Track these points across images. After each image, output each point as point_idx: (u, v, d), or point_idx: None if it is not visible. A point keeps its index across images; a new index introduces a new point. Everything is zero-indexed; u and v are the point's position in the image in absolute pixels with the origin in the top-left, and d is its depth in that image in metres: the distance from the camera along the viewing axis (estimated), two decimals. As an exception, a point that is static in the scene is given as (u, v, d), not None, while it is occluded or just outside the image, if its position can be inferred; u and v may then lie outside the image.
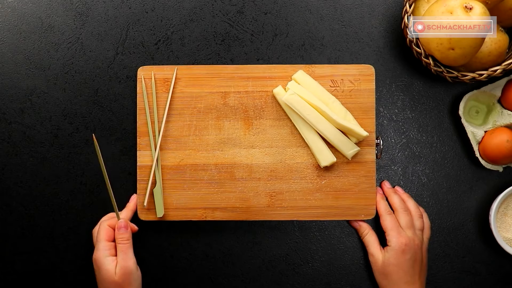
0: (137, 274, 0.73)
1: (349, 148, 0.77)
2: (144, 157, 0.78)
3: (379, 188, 0.81)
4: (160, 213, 0.78)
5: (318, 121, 0.76)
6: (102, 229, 0.74)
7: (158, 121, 0.78)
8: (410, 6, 0.76)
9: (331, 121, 0.76)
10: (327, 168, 0.78)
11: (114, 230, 0.74)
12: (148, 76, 0.79)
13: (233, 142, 0.78)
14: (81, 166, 0.81)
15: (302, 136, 0.78)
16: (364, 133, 0.76)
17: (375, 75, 0.79)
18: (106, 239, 0.73)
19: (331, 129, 0.77)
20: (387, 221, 0.77)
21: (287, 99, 0.76)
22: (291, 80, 0.79)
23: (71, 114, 0.81)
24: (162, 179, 0.78)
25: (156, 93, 0.79)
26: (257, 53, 0.82)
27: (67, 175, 0.81)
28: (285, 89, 0.78)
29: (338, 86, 0.79)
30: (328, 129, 0.77)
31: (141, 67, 0.79)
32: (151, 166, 0.78)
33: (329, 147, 0.78)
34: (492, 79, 0.80)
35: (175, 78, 0.79)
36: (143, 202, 0.77)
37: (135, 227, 0.77)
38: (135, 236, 0.81)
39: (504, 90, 0.81)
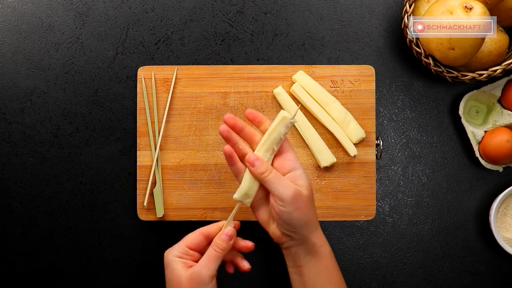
0: None
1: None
2: (144, 157, 0.78)
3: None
4: (160, 213, 0.78)
5: (323, 115, 0.78)
6: (192, 233, 0.65)
7: (158, 121, 0.78)
8: (410, 6, 0.76)
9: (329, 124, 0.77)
10: (327, 169, 0.78)
11: (205, 239, 0.65)
12: (148, 76, 0.79)
13: (233, 142, 0.78)
14: (81, 166, 0.81)
15: (302, 137, 0.78)
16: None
17: (375, 75, 0.79)
18: (188, 244, 0.64)
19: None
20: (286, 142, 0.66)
21: (294, 89, 0.77)
22: (291, 80, 0.79)
23: (71, 114, 0.81)
24: (162, 179, 0.78)
25: (156, 93, 0.79)
26: (257, 53, 0.82)
27: (67, 175, 0.81)
28: (285, 89, 0.78)
29: (338, 87, 0.79)
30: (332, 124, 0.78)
31: (141, 67, 0.79)
32: (151, 166, 0.78)
33: (329, 148, 0.78)
34: (492, 79, 0.80)
35: (175, 78, 0.79)
36: (143, 202, 0.77)
37: (249, 246, 0.66)
38: (135, 237, 0.81)
39: (504, 90, 0.81)
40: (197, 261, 0.63)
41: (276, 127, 0.64)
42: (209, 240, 0.65)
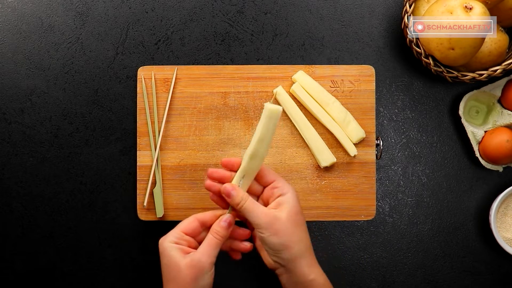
0: (207, 277, 0.62)
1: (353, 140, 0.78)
2: (144, 157, 0.78)
3: None
4: (160, 213, 0.78)
5: (323, 115, 0.78)
6: (187, 219, 0.64)
7: (158, 121, 0.78)
8: (410, 6, 0.76)
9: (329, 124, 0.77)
10: (327, 169, 0.78)
11: (200, 225, 0.64)
12: (148, 76, 0.79)
13: (233, 143, 0.78)
14: (81, 166, 0.81)
15: (302, 137, 0.78)
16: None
17: (375, 75, 0.79)
18: (183, 229, 0.63)
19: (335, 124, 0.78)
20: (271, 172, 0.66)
21: (294, 89, 0.77)
22: (291, 80, 0.79)
23: (71, 114, 0.81)
24: (162, 179, 0.78)
25: (156, 93, 0.79)
26: (257, 53, 0.82)
27: (67, 175, 0.81)
28: (285, 89, 0.78)
29: (338, 87, 0.79)
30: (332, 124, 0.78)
31: (141, 67, 0.79)
32: (151, 166, 0.78)
33: (329, 148, 0.78)
34: (492, 79, 0.80)
35: (175, 78, 0.79)
36: (143, 202, 0.77)
37: (247, 247, 0.67)
38: (135, 237, 0.81)
39: (504, 90, 0.81)
40: (193, 247, 0.63)
41: (265, 125, 0.63)
42: (204, 227, 0.64)
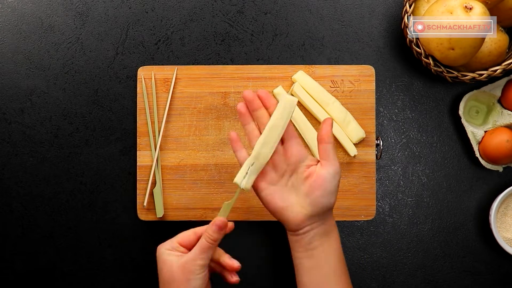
0: (199, 278, 0.62)
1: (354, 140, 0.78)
2: (144, 157, 0.78)
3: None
4: (160, 213, 0.78)
5: (323, 115, 0.78)
6: (186, 231, 0.66)
7: (158, 121, 0.78)
8: (410, 6, 0.76)
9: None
10: (327, 168, 0.78)
11: (197, 238, 0.65)
12: (148, 76, 0.79)
13: (233, 142, 0.78)
14: (81, 166, 0.81)
15: (302, 137, 0.78)
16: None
17: (375, 75, 0.79)
18: (180, 241, 0.65)
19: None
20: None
21: (295, 89, 0.77)
22: (291, 80, 0.79)
23: (71, 114, 0.81)
24: (162, 179, 0.78)
25: (156, 93, 0.79)
26: (257, 53, 0.82)
27: (67, 175, 0.81)
28: (285, 89, 0.78)
29: (338, 87, 0.79)
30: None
31: (141, 67, 0.79)
32: (151, 166, 0.78)
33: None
34: (492, 79, 0.80)
35: (175, 78, 0.79)
36: (143, 202, 0.77)
37: (230, 225, 0.66)
38: (135, 237, 0.81)
39: (504, 90, 0.81)
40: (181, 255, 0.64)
41: (280, 114, 0.64)
42: (199, 236, 0.65)
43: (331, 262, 0.65)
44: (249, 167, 0.64)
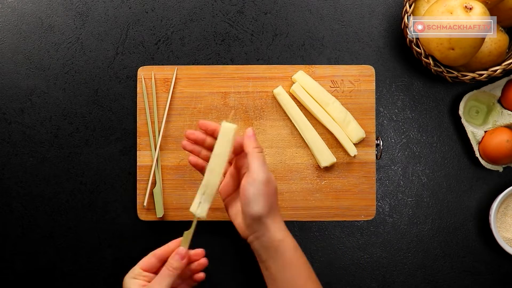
0: None
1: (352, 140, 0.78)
2: (144, 157, 0.78)
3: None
4: (160, 213, 0.78)
5: (323, 115, 0.78)
6: (146, 257, 0.68)
7: (158, 121, 0.78)
8: (410, 6, 0.76)
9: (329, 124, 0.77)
10: (327, 169, 0.78)
11: (157, 260, 0.68)
12: (148, 76, 0.79)
13: (233, 142, 0.78)
14: (81, 166, 0.81)
15: (302, 137, 0.78)
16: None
17: (375, 75, 0.79)
18: (142, 266, 0.67)
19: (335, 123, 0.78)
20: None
21: (294, 89, 0.77)
22: (291, 80, 0.79)
23: (71, 114, 0.81)
24: (162, 179, 0.78)
25: (156, 93, 0.79)
26: (257, 53, 0.82)
27: (67, 175, 0.81)
28: (285, 89, 0.78)
29: (338, 87, 0.79)
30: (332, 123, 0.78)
31: (141, 67, 0.79)
32: (151, 166, 0.78)
33: (329, 148, 0.78)
34: (492, 79, 0.80)
35: (175, 78, 0.79)
36: (143, 202, 0.77)
37: (201, 276, 0.69)
38: (135, 237, 0.81)
39: (504, 90, 0.81)
40: (148, 282, 0.67)
41: (221, 142, 0.65)
42: (162, 261, 0.67)
43: (287, 276, 0.66)
44: (201, 196, 0.65)
